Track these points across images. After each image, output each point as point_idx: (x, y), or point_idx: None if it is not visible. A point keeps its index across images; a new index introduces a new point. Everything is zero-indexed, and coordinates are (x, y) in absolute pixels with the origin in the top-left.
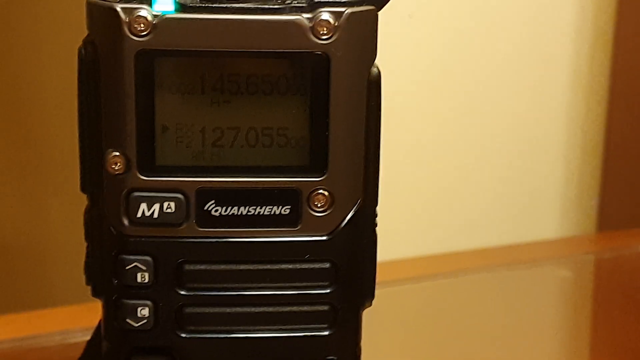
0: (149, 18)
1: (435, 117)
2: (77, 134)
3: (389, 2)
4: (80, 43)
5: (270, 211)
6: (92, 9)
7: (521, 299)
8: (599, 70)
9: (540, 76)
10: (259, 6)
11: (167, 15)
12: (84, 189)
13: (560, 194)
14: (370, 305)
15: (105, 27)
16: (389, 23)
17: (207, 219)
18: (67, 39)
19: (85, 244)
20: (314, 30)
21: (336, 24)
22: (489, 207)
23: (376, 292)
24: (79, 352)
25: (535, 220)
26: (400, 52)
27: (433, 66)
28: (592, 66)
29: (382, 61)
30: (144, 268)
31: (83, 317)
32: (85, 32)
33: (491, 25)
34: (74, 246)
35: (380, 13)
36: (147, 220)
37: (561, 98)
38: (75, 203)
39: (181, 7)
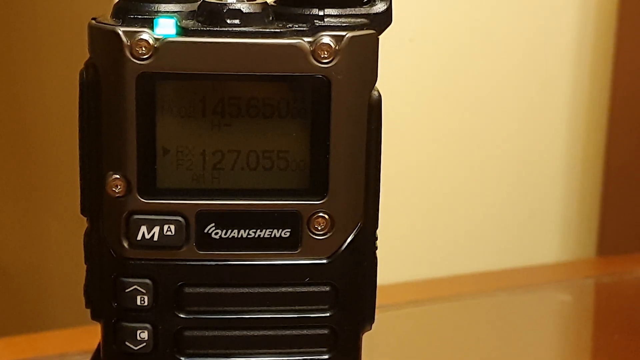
0: (151, 41)
1: (435, 139)
2: (77, 156)
3: (390, 26)
4: (81, 65)
5: (271, 234)
6: (94, 32)
7: (521, 323)
8: (599, 92)
9: (540, 99)
10: (260, 30)
11: (169, 39)
12: (84, 211)
13: (560, 217)
14: (370, 328)
15: (107, 50)
16: (389, 47)
17: (207, 242)
18: (69, 61)
19: (84, 267)
20: (314, 53)
21: (337, 48)
22: (489, 231)
23: (376, 315)
24: None
25: (535, 244)
26: (401, 76)
27: (433, 89)
28: (592, 88)
29: (383, 84)
30: (143, 291)
31: (82, 340)
32: (87, 55)
33: (491, 47)
34: (73, 268)
35: (381, 37)
36: (147, 243)
37: (561, 120)
38: (75, 225)
39: (183, 31)
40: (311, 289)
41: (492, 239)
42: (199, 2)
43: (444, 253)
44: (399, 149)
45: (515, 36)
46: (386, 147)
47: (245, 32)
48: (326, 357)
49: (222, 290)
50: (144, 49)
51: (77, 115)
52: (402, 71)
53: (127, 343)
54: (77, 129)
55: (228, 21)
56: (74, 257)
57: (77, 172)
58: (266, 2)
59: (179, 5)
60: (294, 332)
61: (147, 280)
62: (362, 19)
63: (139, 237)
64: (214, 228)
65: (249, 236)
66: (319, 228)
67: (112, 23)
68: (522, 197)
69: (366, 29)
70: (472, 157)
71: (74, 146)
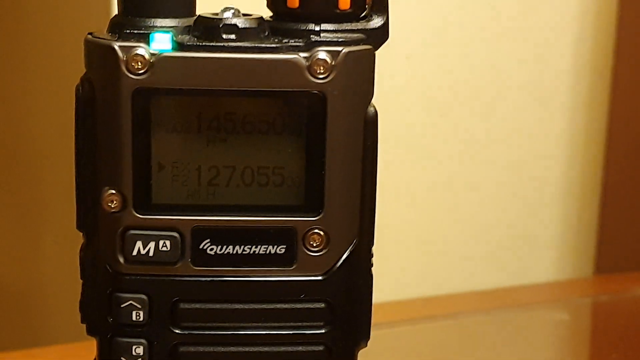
0: (147, 56)
1: (431, 157)
2: (73, 172)
3: (387, 41)
4: (77, 80)
5: (266, 250)
6: (90, 46)
7: (518, 342)
8: (597, 112)
9: (538, 119)
10: (256, 45)
11: (165, 54)
12: (79, 226)
13: (557, 236)
14: (366, 346)
15: (102, 65)
16: (386, 63)
17: (202, 258)
18: (64, 76)
19: (80, 282)
20: (310, 69)
21: (333, 63)
22: (486, 250)
23: (371, 333)
24: None
25: (532, 262)
26: (397, 93)
27: (430, 107)
28: (590, 108)
29: (379, 101)
30: (139, 306)
31: (78, 356)
32: (83, 70)
33: (488, 67)
34: (69, 284)
35: (377, 53)
36: (143, 259)
37: (558, 139)
38: (70, 240)
39: (178, 46)
40: (306, 305)
41: (488, 258)
42: (195, 18)
43: (440, 271)
44: (394, 166)
45: (513, 54)
46: (382, 164)
47: (241, 47)
48: None
49: (217, 306)
50: (139, 64)
51: (73, 130)
52: (398, 88)
53: (122, 358)
54: (73, 143)
55: (224, 36)
56: (69, 273)
57: (72, 187)
58: (262, 17)
59: (174, 20)
60: (289, 348)
61: (143, 296)
62: (358, 35)
63: (135, 253)
64: (209, 244)
65: (244, 252)
66: (314, 245)
67: (108, 38)
68: (519, 215)
69: (362, 45)
70: (468, 174)
71: (70, 161)
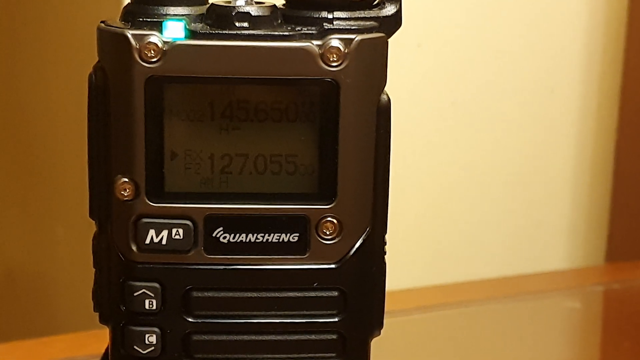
0: (160, 44)
1: (443, 145)
2: (85, 160)
3: (399, 29)
4: (90, 69)
5: (279, 238)
6: (102, 35)
7: (529, 330)
8: (607, 99)
9: (549, 107)
10: (269, 33)
11: (178, 42)
12: (92, 214)
13: (569, 225)
14: (379, 334)
15: (115, 53)
16: (397, 52)
17: (215, 246)
18: (77, 64)
19: (92, 271)
20: (323, 57)
21: (346, 51)
22: (498, 238)
23: (385, 321)
24: None
25: (544, 251)
26: (409, 81)
27: (441, 95)
28: (601, 94)
29: (390, 90)
30: (151, 295)
31: (90, 344)
32: (96, 58)
33: (499, 53)
34: (81, 272)
35: (389, 42)
36: (156, 247)
37: (570, 126)
38: (82, 230)
39: (191, 34)
40: (319, 293)
41: (500, 246)
42: (208, 5)
43: (452, 259)
44: (407, 155)
45: (524, 42)
46: (394, 152)
47: (254, 35)
48: None
49: (230, 294)
50: (152, 52)
51: (86, 119)
52: (409, 76)
53: (135, 347)
54: (86, 132)
55: (237, 24)
56: (81, 261)
57: (84, 176)
58: (275, 5)
59: (187, 8)
60: (302, 337)
61: (156, 284)
62: (371, 22)
63: (148, 241)
64: (222, 232)
65: (257, 240)
66: (328, 233)
67: (121, 26)
68: (530, 203)
69: (375, 32)
70: (480, 162)
71: (82, 150)
